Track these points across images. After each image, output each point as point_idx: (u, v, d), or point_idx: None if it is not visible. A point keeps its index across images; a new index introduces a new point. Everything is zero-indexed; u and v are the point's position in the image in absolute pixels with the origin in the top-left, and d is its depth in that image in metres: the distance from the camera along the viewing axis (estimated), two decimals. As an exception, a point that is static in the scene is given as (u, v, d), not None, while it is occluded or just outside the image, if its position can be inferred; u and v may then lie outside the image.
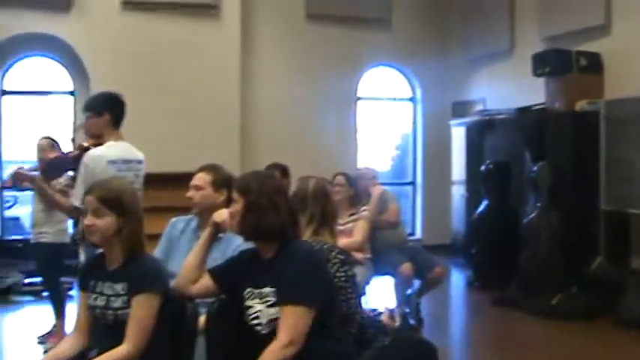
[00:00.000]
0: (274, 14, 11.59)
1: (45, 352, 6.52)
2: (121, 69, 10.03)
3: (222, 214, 3.52)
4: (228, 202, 4.11)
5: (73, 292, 8.69)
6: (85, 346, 3.45)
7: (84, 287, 3.46)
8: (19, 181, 6.19)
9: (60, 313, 6.94)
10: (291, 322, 3.05)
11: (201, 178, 4.30)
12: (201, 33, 10.81)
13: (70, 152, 5.46)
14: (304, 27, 11.64)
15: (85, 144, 5.16)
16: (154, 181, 5.39)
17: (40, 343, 6.86)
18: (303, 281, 3.13)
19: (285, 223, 3.28)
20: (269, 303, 3.18)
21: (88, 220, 3.37)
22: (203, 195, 4.26)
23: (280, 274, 3.17)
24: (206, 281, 3.42)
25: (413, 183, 12.79)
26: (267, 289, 3.21)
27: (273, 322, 3.14)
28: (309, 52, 11.53)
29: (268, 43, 11.55)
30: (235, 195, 3.32)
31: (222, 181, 4.25)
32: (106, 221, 3.33)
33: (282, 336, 3.02)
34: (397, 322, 6.86)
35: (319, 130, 11.34)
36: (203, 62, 10.71)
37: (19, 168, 6.32)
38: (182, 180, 4.79)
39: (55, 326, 6.94)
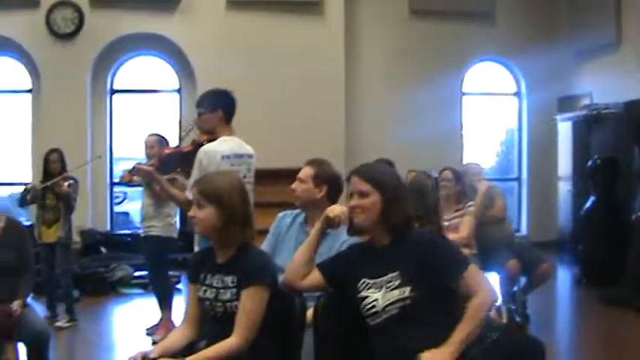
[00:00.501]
0: (378, 10, 11.56)
1: (153, 343, 6.69)
2: (226, 67, 10.16)
3: (335, 210, 3.52)
4: (329, 198, 4.16)
5: (180, 286, 8.91)
6: (195, 338, 3.51)
7: (194, 280, 3.51)
8: (138, 174, 6.34)
9: (167, 305, 7.10)
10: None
11: (304, 172, 4.29)
12: (305, 30, 10.89)
13: (184, 148, 5.56)
14: (408, 23, 11.59)
15: (199, 140, 5.25)
16: (260, 176, 5.44)
17: (148, 334, 7.04)
18: (452, 255, 3.24)
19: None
20: (392, 287, 3.18)
21: (191, 212, 3.44)
22: (304, 188, 4.25)
23: (406, 258, 3.20)
24: (315, 276, 3.44)
25: (518, 179, 12.59)
26: (388, 276, 3.21)
27: (393, 304, 3.16)
28: (413, 47, 11.45)
29: (372, 39, 11.54)
30: (366, 188, 3.29)
31: (323, 177, 4.23)
32: (207, 213, 3.37)
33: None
34: (504, 319, 6.76)
35: (424, 126, 11.23)
36: (307, 59, 10.78)
37: (138, 163, 6.49)
38: (288, 176, 4.82)
39: (161, 318, 7.09)
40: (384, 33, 11.59)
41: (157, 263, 7.16)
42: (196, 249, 4.98)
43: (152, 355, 3.32)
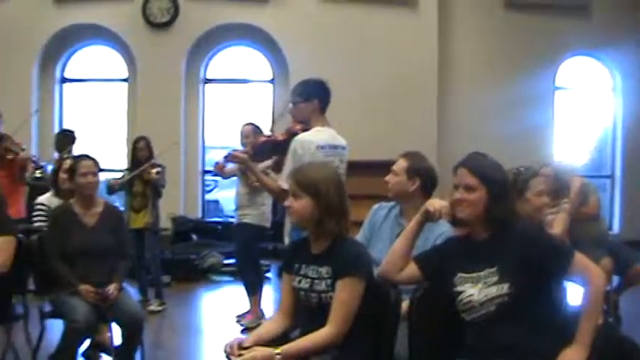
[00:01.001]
0: (471, 2, 11.44)
1: (242, 330, 6.79)
2: (318, 59, 10.20)
3: (434, 204, 3.48)
4: (423, 191, 4.14)
5: (270, 274, 8.99)
6: (288, 327, 3.54)
7: (288, 270, 3.54)
8: (233, 161, 6.41)
9: (256, 293, 7.17)
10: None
11: (398, 164, 4.27)
12: (399, 23, 10.83)
13: (278, 136, 5.59)
14: (502, 15, 11.40)
15: (293, 129, 5.27)
16: (352, 168, 5.42)
17: (237, 322, 7.11)
18: (556, 249, 3.18)
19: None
20: (490, 283, 3.15)
21: (288, 202, 3.48)
22: (397, 181, 4.24)
23: (506, 253, 3.16)
24: (411, 268, 3.43)
25: (611, 176, 12.29)
26: (485, 271, 3.18)
27: (491, 301, 3.12)
28: (507, 41, 11.29)
29: (466, 33, 11.42)
30: (474, 182, 3.23)
31: (416, 170, 4.20)
32: (303, 203, 3.39)
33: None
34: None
35: (516, 120, 11.05)
36: (400, 51, 10.73)
37: (234, 150, 6.57)
38: (380, 168, 4.82)
39: (250, 306, 7.17)
40: (477, 26, 11.44)
41: (248, 251, 7.23)
42: (286, 239, 5.01)
43: (246, 344, 3.35)
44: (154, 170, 7.54)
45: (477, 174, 3.23)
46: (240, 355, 3.27)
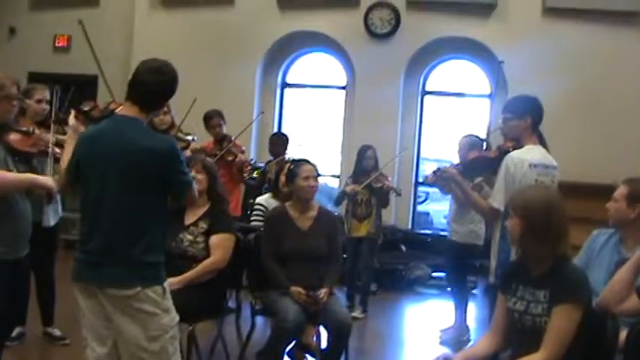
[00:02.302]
0: None
1: (443, 344, 6.74)
2: (537, 74, 9.92)
3: None
4: None
5: (475, 291, 8.86)
6: (499, 348, 3.49)
7: (505, 290, 3.47)
8: (442, 176, 6.39)
9: (462, 309, 7.09)
10: None
11: (619, 191, 4.13)
12: (626, 39, 10.31)
13: (490, 153, 5.48)
14: None
15: (505, 146, 5.15)
16: (568, 190, 5.23)
17: (440, 336, 7.06)
18: None
19: None
20: None
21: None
22: (617, 208, 4.10)
23: None
24: (634, 300, 3.27)
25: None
26: None
27: None
28: None
29: None
30: None
31: (637, 197, 4.02)
32: (512, 224, 3.37)
33: None
34: None
35: None
36: (624, 72, 10.21)
37: (444, 166, 6.53)
38: (600, 191, 4.64)
39: (455, 322, 7.10)
40: None
41: (457, 267, 7.18)
42: (492, 259, 4.91)
43: (456, 359, 3.32)
44: (386, 179, 7.63)
45: None
46: (446, 371, 3.24)
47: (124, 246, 3.45)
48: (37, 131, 4.60)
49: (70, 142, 3.88)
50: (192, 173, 4.58)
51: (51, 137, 4.36)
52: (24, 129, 4.43)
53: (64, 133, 4.54)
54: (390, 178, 7.80)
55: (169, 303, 3.57)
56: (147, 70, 3.53)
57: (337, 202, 7.84)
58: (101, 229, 3.47)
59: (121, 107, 3.68)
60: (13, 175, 4.04)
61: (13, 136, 4.30)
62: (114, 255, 3.46)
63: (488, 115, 10.81)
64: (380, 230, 7.85)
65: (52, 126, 4.68)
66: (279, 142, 8.86)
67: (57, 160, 4.46)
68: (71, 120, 4.05)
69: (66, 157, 3.78)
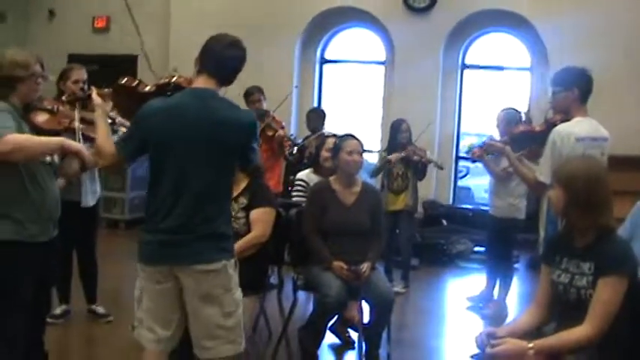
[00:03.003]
0: None
1: (484, 319, 6.73)
2: (578, 45, 9.74)
3: None
4: None
5: (517, 266, 8.82)
6: (544, 321, 3.47)
7: (548, 262, 3.45)
8: (489, 150, 6.36)
9: (504, 284, 7.08)
10: None
11: None
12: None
13: (536, 127, 5.44)
14: None
15: (552, 119, 5.10)
16: (616, 162, 5.16)
17: (480, 309, 7.10)
18: None
19: None
20: None
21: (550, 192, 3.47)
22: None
23: None
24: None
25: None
26: None
27: None
28: None
29: None
30: None
31: None
32: (556, 195, 3.35)
33: None
34: None
35: None
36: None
37: (490, 139, 6.50)
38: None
39: (497, 295, 7.13)
40: None
41: (498, 242, 7.14)
42: (541, 231, 4.88)
43: (499, 334, 3.31)
44: (424, 152, 7.62)
45: None
46: (492, 345, 3.22)
47: (208, 220, 3.46)
48: (61, 108, 4.57)
49: (100, 119, 3.85)
50: None
51: (77, 114, 4.33)
52: (48, 107, 4.41)
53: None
54: (428, 152, 7.74)
55: (237, 277, 3.61)
56: (225, 44, 3.56)
57: (375, 174, 7.85)
58: (183, 204, 3.45)
59: (193, 80, 3.67)
60: (41, 138, 3.98)
61: (39, 116, 4.28)
62: (198, 230, 3.45)
63: (529, 88, 10.72)
64: (417, 203, 7.83)
65: (73, 104, 4.63)
66: (316, 117, 8.85)
67: (86, 139, 4.42)
68: (96, 98, 4.01)
69: (101, 133, 3.72)
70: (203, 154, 3.45)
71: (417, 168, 7.65)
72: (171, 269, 3.49)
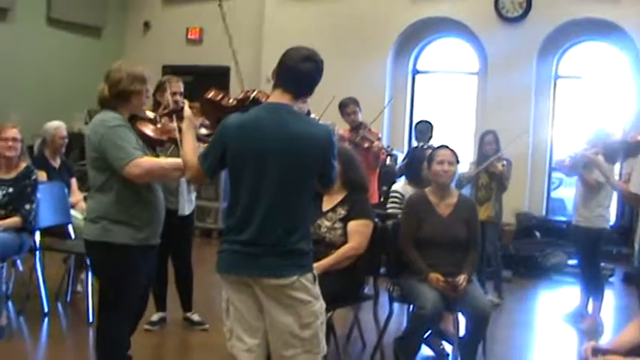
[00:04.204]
0: None
1: (580, 334, 6.61)
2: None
3: None
4: None
5: (613, 279, 8.64)
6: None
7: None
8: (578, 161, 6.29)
9: (596, 298, 6.95)
10: None
11: None
12: None
13: (632, 137, 5.33)
14: None
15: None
16: None
17: (573, 323, 6.98)
18: None
19: None
20: None
21: None
22: None
23: None
24: None
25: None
26: None
27: None
28: None
29: None
30: None
31: None
32: None
33: None
34: None
35: None
36: None
37: (582, 152, 6.42)
38: None
39: (591, 310, 6.99)
40: None
41: (587, 254, 7.04)
42: (636, 245, 4.78)
43: (605, 347, 3.25)
44: (500, 164, 7.52)
45: None
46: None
47: (282, 235, 3.45)
48: (162, 119, 4.70)
49: (189, 131, 3.94)
50: None
51: (176, 124, 4.47)
52: (150, 117, 4.52)
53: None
54: (503, 163, 7.59)
55: (318, 289, 3.58)
56: (299, 58, 3.53)
57: (457, 185, 7.79)
58: (258, 218, 3.45)
59: (270, 95, 3.70)
60: (161, 161, 4.22)
61: (146, 127, 4.39)
62: (270, 244, 3.45)
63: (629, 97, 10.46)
64: (500, 215, 7.72)
65: (169, 116, 4.77)
66: (424, 129, 8.81)
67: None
68: (186, 111, 4.10)
69: (187, 146, 3.82)
70: (276, 168, 3.44)
71: (498, 180, 7.57)
72: (246, 279, 3.51)
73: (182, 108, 4.21)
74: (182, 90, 5.91)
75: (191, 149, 3.79)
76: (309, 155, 3.48)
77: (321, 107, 6.64)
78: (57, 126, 7.27)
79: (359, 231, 4.92)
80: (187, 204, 6.08)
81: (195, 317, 6.28)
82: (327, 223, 4.99)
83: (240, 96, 4.18)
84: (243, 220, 3.49)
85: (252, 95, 4.10)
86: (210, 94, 4.28)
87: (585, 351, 3.26)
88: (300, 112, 3.62)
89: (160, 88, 5.91)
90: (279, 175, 3.45)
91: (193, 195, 6.23)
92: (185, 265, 6.28)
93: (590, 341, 3.35)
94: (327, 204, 5.08)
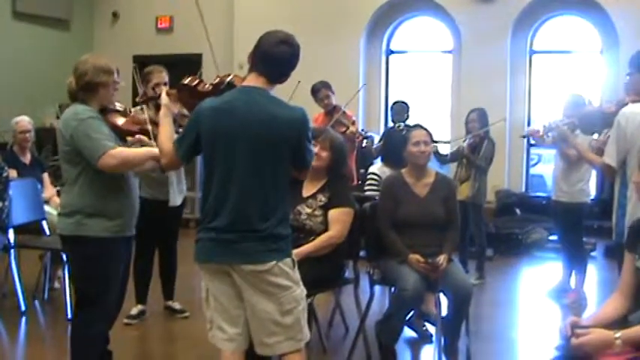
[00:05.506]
0: None
1: (564, 309, 6.59)
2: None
3: None
4: None
5: (595, 254, 8.65)
6: (628, 310, 3.37)
7: (632, 249, 3.36)
8: (552, 133, 6.25)
9: (579, 272, 6.96)
10: None
11: None
12: None
13: (607, 108, 5.30)
14: None
15: (624, 100, 4.98)
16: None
17: (557, 299, 6.97)
18: None
19: None
20: None
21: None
22: None
23: None
24: None
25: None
26: None
27: None
28: None
29: None
30: None
31: None
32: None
33: None
34: None
35: None
36: None
37: (554, 123, 6.39)
38: None
39: (573, 285, 7.00)
40: None
41: (568, 229, 7.02)
42: (614, 218, 4.76)
43: (584, 323, 3.22)
44: (485, 143, 7.49)
45: None
46: (577, 335, 3.13)
47: (257, 220, 3.39)
48: (131, 110, 4.65)
49: (165, 118, 3.88)
50: (316, 149, 4.55)
51: (147, 115, 4.39)
52: (120, 109, 4.46)
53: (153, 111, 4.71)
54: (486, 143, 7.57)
55: (298, 275, 3.55)
56: (274, 42, 3.48)
57: (443, 162, 7.75)
58: (231, 203, 3.40)
59: (245, 79, 3.63)
60: (136, 151, 4.18)
61: (116, 118, 4.34)
62: (246, 230, 3.39)
63: (600, 72, 10.49)
64: (482, 194, 7.66)
65: (146, 104, 4.71)
66: (400, 109, 8.76)
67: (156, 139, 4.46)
68: (164, 98, 4.05)
69: (164, 134, 3.74)
70: (249, 151, 3.40)
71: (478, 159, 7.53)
72: (224, 267, 3.47)
73: (159, 95, 4.16)
74: (166, 80, 5.81)
75: (167, 136, 3.70)
76: (283, 137, 3.43)
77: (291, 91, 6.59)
78: (17, 120, 7.22)
79: (339, 219, 4.82)
80: (178, 194, 6.03)
81: (177, 305, 6.25)
82: (308, 210, 4.89)
83: (216, 81, 4.10)
84: (217, 205, 3.44)
85: (227, 80, 4.02)
86: (187, 80, 4.22)
87: (566, 327, 3.22)
88: (273, 95, 3.55)
89: (145, 79, 5.86)
90: (253, 158, 3.40)
91: (184, 185, 6.17)
92: (171, 254, 6.26)
93: (572, 317, 3.30)
94: (307, 190, 4.96)
